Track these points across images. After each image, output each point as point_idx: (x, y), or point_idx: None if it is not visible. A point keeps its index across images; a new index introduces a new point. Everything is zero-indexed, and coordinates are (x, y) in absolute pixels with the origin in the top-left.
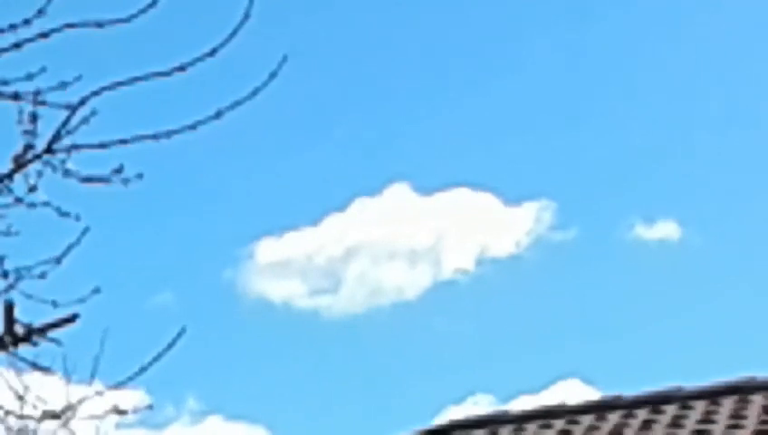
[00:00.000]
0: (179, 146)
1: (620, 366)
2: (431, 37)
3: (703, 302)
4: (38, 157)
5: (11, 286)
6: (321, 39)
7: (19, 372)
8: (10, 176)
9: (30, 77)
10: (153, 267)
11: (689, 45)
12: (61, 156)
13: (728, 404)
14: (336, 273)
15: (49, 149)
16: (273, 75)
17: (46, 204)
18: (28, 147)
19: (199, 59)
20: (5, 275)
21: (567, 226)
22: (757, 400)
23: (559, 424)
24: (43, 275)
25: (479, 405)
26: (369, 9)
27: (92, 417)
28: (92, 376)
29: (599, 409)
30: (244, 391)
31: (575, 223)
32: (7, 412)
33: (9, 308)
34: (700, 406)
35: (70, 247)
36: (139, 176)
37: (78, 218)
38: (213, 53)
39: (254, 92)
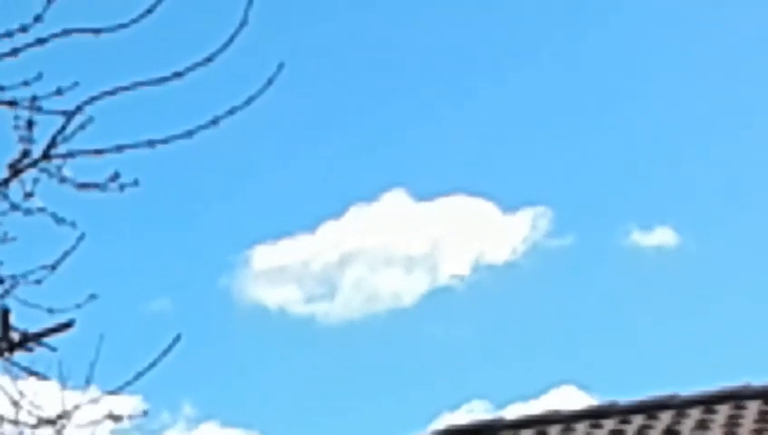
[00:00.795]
0: (176, 153)
1: (616, 373)
2: (427, 44)
3: (699, 308)
4: (34, 163)
5: (7, 292)
6: (317, 46)
7: (14, 378)
8: (6, 182)
9: (26, 83)
10: (149, 274)
11: (684, 53)
12: (57, 162)
13: (724, 411)
14: (332, 279)
15: (45, 156)
16: (269, 82)
17: (42, 210)
18: (24, 153)
19: (196, 66)
20: (1, 281)
21: (563, 232)
22: (753, 406)
23: (554, 431)
24: (38, 282)
25: (475, 411)
26: (366, 16)
27: (88, 423)
28: (88, 382)
29: (594, 415)
30: (240, 398)
31: (571, 230)
32: (2, 419)
33: (5, 314)
34: (696, 413)
35: (66, 254)
36: (136, 182)
37: (74, 225)
38: (209, 60)
39: (251, 100)
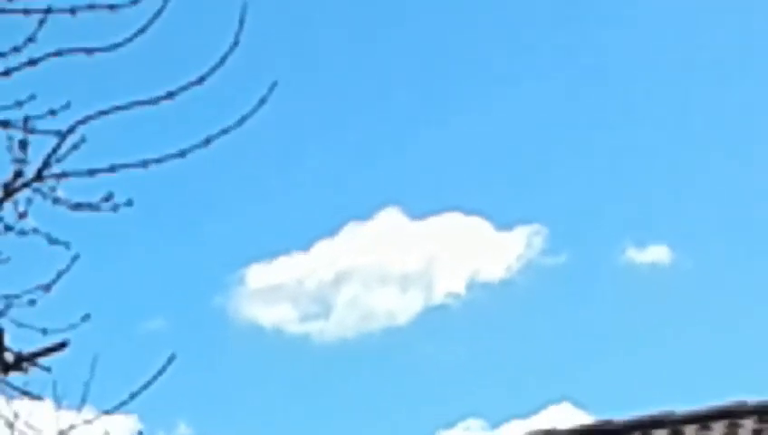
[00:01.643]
0: (169, 173)
1: (612, 390)
2: (421, 61)
3: (694, 325)
4: (28, 184)
5: (1, 313)
6: (310, 64)
7: (9, 398)
8: (0, 203)
9: (19, 104)
10: (144, 293)
11: (678, 69)
12: (50, 183)
13: (719, 428)
14: (327, 298)
15: (39, 177)
16: (262, 102)
17: (36, 231)
18: (18, 174)
19: (188, 86)
20: None
21: (558, 250)
22: (748, 424)
23: None
24: (33, 302)
25: (470, 430)
26: (357, 34)
27: None
28: (83, 402)
29: (590, 433)
30: (236, 417)
31: (566, 248)
32: None
33: None
34: (691, 430)
35: (60, 275)
36: (129, 203)
37: (68, 245)
38: (201, 80)
39: (243, 119)
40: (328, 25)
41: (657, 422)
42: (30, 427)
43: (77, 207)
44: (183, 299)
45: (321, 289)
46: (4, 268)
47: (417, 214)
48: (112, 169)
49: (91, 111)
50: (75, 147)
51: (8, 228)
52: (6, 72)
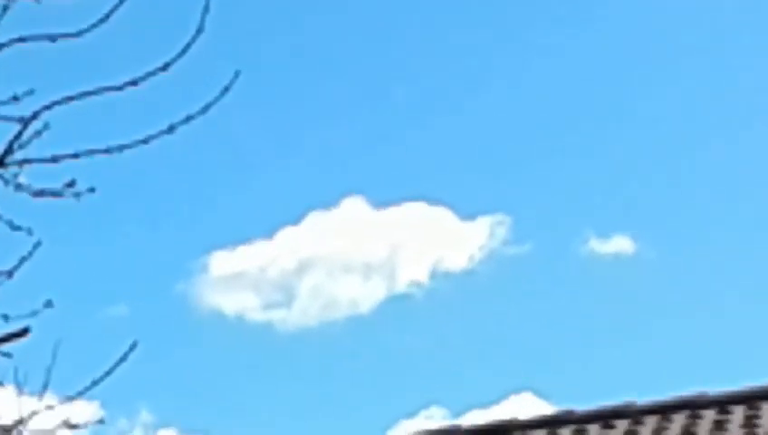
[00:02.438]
0: (132, 160)
1: (574, 380)
2: (386, 52)
3: (656, 316)
4: None
5: None
6: (275, 53)
7: None
8: None
9: None
10: (106, 280)
11: (636, 60)
12: (13, 170)
13: (680, 419)
14: (289, 286)
15: (1, 163)
16: (225, 90)
17: None
18: None
19: (152, 73)
20: None
21: (521, 240)
22: (708, 415)
23: None
24: None
25: (432, 419)
26: (323, 23)
27: (44, 430)
28: (44, 389)
29: (551, 424)
30: (198, 404)
31: (529, 237)
32: None
33: None
34: (652, 421)
35: (22, 261)
36: (92, 190)
37: (30, 232)
38: (165, 67)
39: (207, 107)
40: (299, 14)
41: (618, 413)
42: None
43: (39, 193)
44: (146, 286)
45: (284, 277)
46: None
47: (380, 203)
48: (75, 155)
49: (54, 98)
50: (38, 133)
51: None
52: None
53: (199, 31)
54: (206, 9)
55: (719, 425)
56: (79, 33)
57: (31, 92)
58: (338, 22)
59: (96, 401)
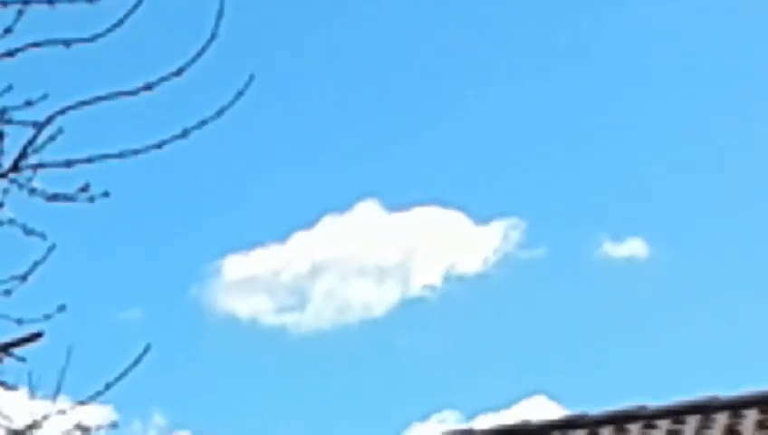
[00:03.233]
0: (146, 164)
1: (587, 384)
2: (399, 56)
3: (669, 320)
4: (4, 175)
5: None
6: (287, 57)
7: None
8: None
9: None
10: (120, 285)
11: (654, 63)
12: (27, 174)
13: (692, 423)
14: (303, 290)
15: (15, 168)
16: (239, 94)
17: (12, 222)
18: None
19: (166, 78)
20: None
21: (535, 244)
22: (720, 419)
23: None
24: (8, 293)
25: (445, 422)
26: (335, 28)
27: (58, 434)
28: (58, 393)
29: (564, 427)
30: (211, 407)
31: (543, 241)
32: None
33: None
34: (664, 425)
35: (35, 265)
36: (106, 194)
37: (44, 236)
38: (179, 72)
39: (221, 112)
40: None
41: (630, 416)
42: (4, 416)
43: (54, 197)
44: (159, 290)
45: (297, 281)
46: None
47: (394, 206)
48: (89, 160)
49: (68, 103)
50: (52, 138)
51: None
52: None
53: (213, 36)
54: (221, 14)
55: (731, 429)
56: (93, 38)
57: (45, 97)
58: (352, 26)
59: (109, 405)
